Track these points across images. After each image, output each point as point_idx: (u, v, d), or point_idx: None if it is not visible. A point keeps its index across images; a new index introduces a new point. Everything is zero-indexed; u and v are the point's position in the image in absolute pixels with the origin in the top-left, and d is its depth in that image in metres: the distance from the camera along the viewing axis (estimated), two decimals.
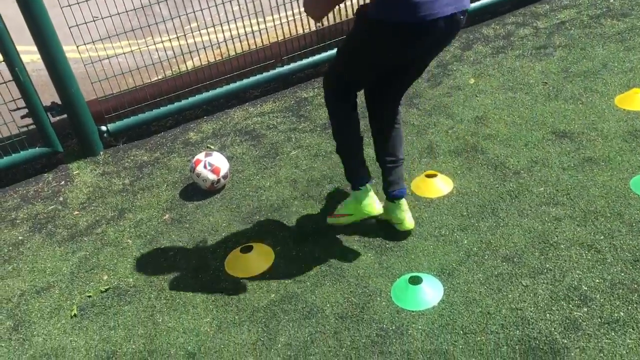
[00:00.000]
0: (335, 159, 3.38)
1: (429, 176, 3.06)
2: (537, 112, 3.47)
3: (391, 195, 2.72)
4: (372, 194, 2.70)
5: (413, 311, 2.38)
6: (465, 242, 2.67)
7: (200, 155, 3.27)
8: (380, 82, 2.56)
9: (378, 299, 2.47)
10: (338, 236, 2.83)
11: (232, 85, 4.09)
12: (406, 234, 2.75)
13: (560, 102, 3.51)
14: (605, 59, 3.85)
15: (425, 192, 3.01)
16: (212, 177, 3.21)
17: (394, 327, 2.33)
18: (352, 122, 2.62)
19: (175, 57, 3.97)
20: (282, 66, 4.20)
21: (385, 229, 2.81)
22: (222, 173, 3.23)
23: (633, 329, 2.13)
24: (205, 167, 3.21)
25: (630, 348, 2.07)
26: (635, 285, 2.29)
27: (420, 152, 3.32)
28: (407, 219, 2.73)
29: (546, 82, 3.73)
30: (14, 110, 3.50)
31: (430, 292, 2.43)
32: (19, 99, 3.47)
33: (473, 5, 4.59)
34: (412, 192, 3.03)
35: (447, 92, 3.84)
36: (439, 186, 3.01)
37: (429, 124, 3.55)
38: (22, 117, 3.54)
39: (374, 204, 2.69)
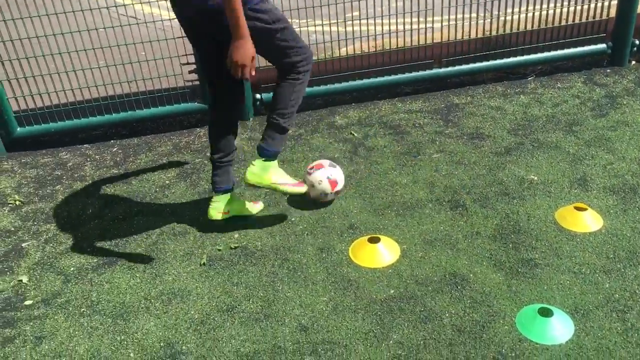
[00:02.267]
0: (477, 170, 3.28)
1: (577, 208, 2.87)
2: None
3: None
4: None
5: (537, 343, 2.25)
6: (607, 286, 2.48)
7: (324, 162, 3.09)
8: None
9: (501, 321, 2.36)
10: (468, 248, 2.74)
11: (385, 78, 4.09)
12: (541, 264, 2.61)
13: None
14: None
15: (572, 225, 2.82)
16: (327, 188, 3.00)
17: (513, 355, 2.22)
18: None
19: (332, 41, 4.04)
20: (440, 68, 4.13)
21: (521, 254, 2.68)
22: (337, 188, 3.04)
23: None
24: (325, 174, 3.00)
25: None
26: None
27: (571, 181, 3.13)
28: (210, 209, 2.95)
29: None
30: (184, 64, 3.74)
31: (560, 328, 2.28)
32: (190, 54, 3.71)
33: None
34: (556, 221, 2.86)
35: (613, 125, 3.58)
36: (587, 221, 2.82)
37: (586, 155, 3.33)
38: (190, 72, 3.79)
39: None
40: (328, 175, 3.01)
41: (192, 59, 3.73)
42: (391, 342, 2.32)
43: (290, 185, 2.86)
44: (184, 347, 2.36)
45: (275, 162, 2.84)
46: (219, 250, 2.87)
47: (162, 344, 2.38)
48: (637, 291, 2.44)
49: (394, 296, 2.53)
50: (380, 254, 2.74)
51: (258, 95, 3.97)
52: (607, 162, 3.25)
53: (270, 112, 2.77)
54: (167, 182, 3.43)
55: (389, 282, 2.61)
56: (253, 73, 2.48)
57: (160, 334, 2.43)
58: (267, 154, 2.80)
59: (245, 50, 2.40)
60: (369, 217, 3.02)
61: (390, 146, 3.60)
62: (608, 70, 4.21)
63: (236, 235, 2.96)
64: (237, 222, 3.04)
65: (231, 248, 2.87)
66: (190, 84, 3.87)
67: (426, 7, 3.97)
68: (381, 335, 2.34)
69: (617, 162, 3.25)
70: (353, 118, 3.95)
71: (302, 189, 2.90)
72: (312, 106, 4.15)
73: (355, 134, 3.75)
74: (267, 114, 2.82)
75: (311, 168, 3.05)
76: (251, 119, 4.00)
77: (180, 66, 3.75)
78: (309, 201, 3.14)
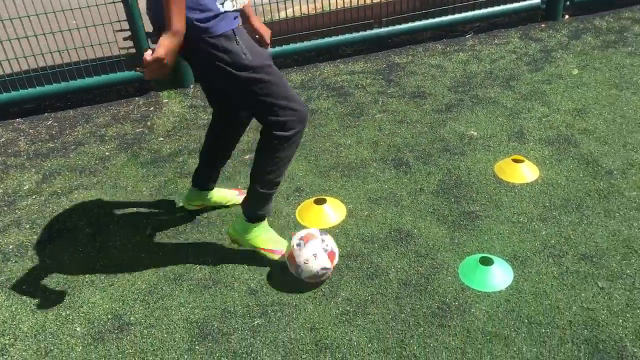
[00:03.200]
0: (419, 128, 3.33)
1: (515, 161, 2.96)
2: None
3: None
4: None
5: (479, 291, 2.34)
6: (544, 233, 2.58)
7: (313, 230, 2.42)
8: None
9: (444, 272, 2.44)
10: (412, 205, 2.80)
11: (326, 40, 4.06)
12: (482, 216, 2.69)
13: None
14: None
15: (509, 176, 2.91)
16: (326, 263, 2.35)
17: (456, 303, 2.30)
18: None
19: (270, 4, 3.97)
20: (380, 28, 4.13)
21: (462, 207, 2.75)
22: (335, 260, 2.41)
23: None
24: (321, 247, 2.35)
25: None
26: None
27: (509, 135, 3.21)
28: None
29: None
30: (118, 31, 3.61)
31: (500, 276, 2.37)
32: (124, 20, 3.58)
33: None
34: (495, 174, 2.95)
35: (547, 79, 3.68)
36: (524, 172, 2.91)
37: (523, 108, 3.42)
38: (124, 39, 3.66)
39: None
40: (325, 246, 2.38)
41: (125, 25, 3.60)
42: (339, 299, 2.36)
43: (277, 253, 2.54)
44: (132, 318, 2.34)
45: (260, 225, 2.51)
46: (165, 219, 2.83)
47: (109, 316, 2.35)
48: (571, 236, 2.55)
49: (342, 255, 2.56)
50: (326, 214, 2.76)
51: None
52: (542, 115, 3.35)
53: (251, 170, 2.45)
54: (107, 153, 3.34)
55: (336, 242, 2.63)
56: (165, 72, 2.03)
57: (107, 306, 2.40)
58: (246, 214, 2.49)
59: (173, 48, 1.97)
60: (315, 179, 3.03)
61: (333, 108, 3.60)
62: (543, 25, 4.30)
63: (181, 204, 2.92)
64: (183, 190, 3.00)
65: (176, 217, 2.84)
66: (125, 51, 3.74)
67: None
68: (330, 294, 2.38)
69: (552, 114, 3.35)
70: (295, 81, 3.91)
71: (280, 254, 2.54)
72: None
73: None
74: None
75: (300, 244, 2.37)
76: (192, 85, 3.92)
77: (114, 33, 3.61)
78: (250, 165, 3.13)
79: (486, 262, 2.41)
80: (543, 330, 2.16)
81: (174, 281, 2.50)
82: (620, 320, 2.17)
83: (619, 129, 3.18)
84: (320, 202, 2.81)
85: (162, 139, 3.43)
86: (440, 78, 3.79)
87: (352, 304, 2.33)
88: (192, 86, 3.91)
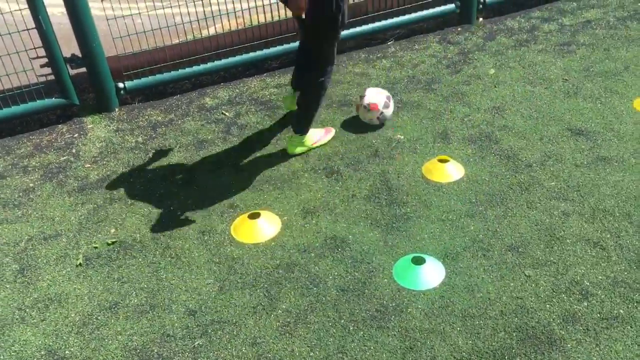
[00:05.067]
0: (348, 136, 3.39)
1: (441, 161, 3.06)
2: (555, 107, 3.45)
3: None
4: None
5: (414, 290, 2.40)
6: (472, 228, 2.68)
7: (367, 98, 3.35)
8: None
9: (380, 275, 2.49)
10: (345, 212, 2.85)
11: (251, 55, 4.08)
12: (413, 217, 2.77)
13: (579, 100, 3.49)
14: (628, 61, 3.82)
15: (436, 176, 3.01)
16: (372, 114, 3.37)
17: (393, 304, 2.35)
18: None
19: (198, 20, 3.96)
20: None
21: (394, 210, 2.82)
22: (380, 107, 3.35)
23: (631, 327, 2.15)
24: (365, 108, 3.36)
25: (627, 345, 2.09)
26: (638, 285, 2.31)
27: (434, 136, 3.32)
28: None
29: (566, 79, 3.71)
30: (34, 58, 3.51)
31: (432, 274, 2.45)
32: (39, 47, 3.48)
33: None
34: (423, 175, 3.04)
35: (467, 80, 3.82)
36: (450, 172, 3.02)
37: (445, 110, 3.54)
38: (42, 66, 3.55)
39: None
40: (366, 105, 3.39)
41: (41, 52, 3.50)
42: (279, 311, 2.37)
43: (324, 137, 3.35)
44: (67, 352, 2.27)
45: (309, 133, 3.25)
46: (96, 247, 2.77)
47: (43, 353, 2.27)
48: (497, 230, 2.66)
49: (279, 267, 2.58)
50: (261, 228, 2.77)
51: (121, 84, 3.82)
52: (464, 115, 3.48)
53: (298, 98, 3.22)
54: (31, 185, 3.23)
55: (273, 255, 2.65)
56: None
57: (40, 342, 2.32)
58: (297, 132, 3.26)
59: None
60: (248, 194, 3.03)
61: (262, 122, 3.61)
62: (459, 29, 4.48)
63: (112, 230, 2.86)
64: (113, 215, 2.94)
65: (108, 244, 2.78)
66: (44, 78, 3.63)
67: None
68: (269, 307, 2.39)
69: (473, 113, 3.49)
70: (223, 98, 3.91)
71: (332, 132, 3.40)
72: (181, 90, 4.06)
73: (227, 114, 3.73)
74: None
75: (367, 104, 3.37)
76: (116, 109, 3.85)
77: (30, 61, 3.51)
78: (182, 185, 3.10)
79: (418, 261, 2.48)
80: (476, 322, 2.24)
81: (109, 310, 2.44)
82: (548, 306, 2.27)
83: (535, 123, 3.34)
84: (254, 216, 2.81)
85: (88, 165, 3.35)
86: (365, 85, 3.88)
87: (292, 314, 2.35)
88: (116, 109, 3.84)
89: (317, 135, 3.31)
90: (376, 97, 3.36)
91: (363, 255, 2.60)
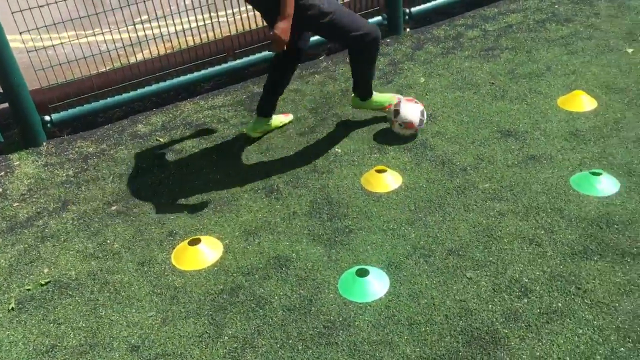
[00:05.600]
0: (286, 153, 3.38)
1: (378, 171, 3.09)
2: (484, 111, 3.55)
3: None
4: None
5: (360, 303, 2.40)
6: (413, 235, 2.71)
7: (402, 117, 3.32)
8: None
9: (326, 291, 2.48)
10: (287, 230, 2.83)
11: (182, 78, 4.03)
12: (355, 229, 2.78)
13: (506, 102, 3.61)
14: (549, 61, 3.98)
15: (375, 187, 3.04)
16: (407, 132, 3.38)
17: (340, 319, 2.34)
18: None
19: (125, 47, 3.88)
20: (235, 60, 4.17)
21: (335, 224, 2.82)
22: (415, 124, 3.34)
23: (570, 319, 2.21)
24: (400, 126, 3.34)
25: (567, 337, 2.15)
26: (573, 278, 2.38)
27: (371, 147, 3.35)
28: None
29: (493, 83, 3.83)
30: None
31: (377, 285, 2.45)
32: None
33: (425, 6, 4.67)
34: (362, 187, 3.06)
35: (398, 90, 3.89)
36: (388, 181, 3.05)
37: (381, 120, 3.58)
38: None
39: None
40: (401, 124, 3.37)
41: None
42: (226, 338, 2.32)
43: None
44: None
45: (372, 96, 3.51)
46: (28, 290, 2.64)
47: None
48: (437, 235, 2.70)
49: (223, 292, 2.53)
50: (202, 254, 2.71)
51: (47, 117, 3.69)
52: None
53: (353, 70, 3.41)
54: None
55: (216, 280, 2.60)
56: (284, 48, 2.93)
57: None
58: (360, 95, 3.50)
59: (287, 27, 2.86)
60: (188, 220, 2.97)
61: (198, 145, 3.56)
62: (388, 40, 4.56)
63: (46, 270, 2.74)
64: (46, 254, 2.82)
65: (42, 285, 2.66)
66: None
67: (215, 2, 3.97)
68: (215, 334, 2.34)
69: None
70: (156, 123, 3.84)
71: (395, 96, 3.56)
72: (112, 118, 3.96)
73: (162, 140, 3.66)
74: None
75: (402, 123, 3.35)
76: (44, 143, 3.71)
77: None
78: (118, 216, 3.01)
79: (362, 273, 2.48)
80: (423, 329, 2.26)
81: (46, 354, 2.33)
82: (490, 306, 2.31)
83: (466, 127, 3.42)
84: (194, 242, 2.76)
85: (17, 204, 3.21)
86: (300, 102, 3.89)
87: (239, 340, 2.30)
88: (44, 144, 3.71)
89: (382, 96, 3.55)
90: (411, 114, 3.31)
91: (307, 272, 2.58)
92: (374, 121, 3.58)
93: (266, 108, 3.50)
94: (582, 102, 3.45)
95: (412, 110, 3.32)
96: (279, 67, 3.44)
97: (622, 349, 2.08)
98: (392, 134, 3.43)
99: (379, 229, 2.77)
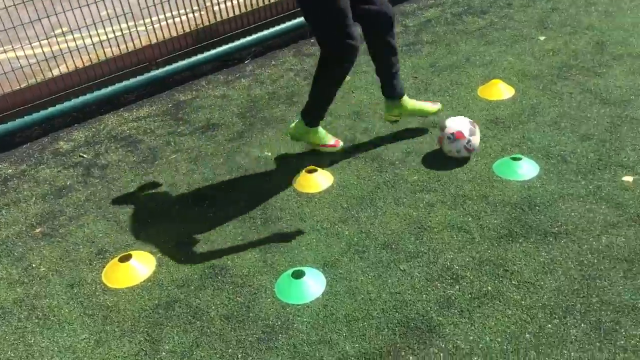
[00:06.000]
0: (216, 160, 3.34)
1: (309, 172, 3.10)
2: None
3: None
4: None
5: (298, 305, 2.40)
6: (347, 233, 2.73)
7: (449, 128, 3.01)
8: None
9: (263, 295, 2.47)
10: (221, 237, 2.79)
11: (104, 91, 3.92)
12: (289, 231, 2.78)
13: (430, 95, 3.69)
14: (468, 53, 4.11)
15: (307, 187, 3.04)
16: (459, 144, 3.00)
17: (279, 323, 2.33)
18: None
19: (39, 63, 3.74)
20: (157, 69, 4.09)
21: (270, 228, 2.81)
22: (466, 134, 2.97)
23: (499, 301, 2.29)
24: (449, 139, 3.01)
25: (498, 319, 2.22)
26: (500, 261, 2.46)
27: (301, 148, 3.36)
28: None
29: (416, 77, 3.92)
30: None
31: (313, 285, 2.46)
32: None
33: None
34: (294, 189, 3.06)
35: None
36: (319, 181, 3.06)
37: None
38: None
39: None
40: (449, 137, 3.04)
41: None
42: (163, 353, 2.27)
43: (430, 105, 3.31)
44: None
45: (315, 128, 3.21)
46: None
47: None
48: (370, 230, 2.73)
49: (158, 307, 2.47)
50: (134, 270, 2.64)
51: None
52: (326, 123, 3.54)
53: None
54: None
55: (150, 295, 2.54)
56: None
57: None
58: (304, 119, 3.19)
59: None
60: (118, 237, 2.89)
61: (125, 159, 3.47)
62: (312, 40, 4.58)
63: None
64: None
65: None
66: None
67: (131, 11, 3.87)
68: (152, 351, 2.28)
69: (335, 120, 3.57)
70: (79, 139, 3.71)
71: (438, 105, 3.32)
72: (31, 137, 3.80)
73: (85, 155, 3.54)
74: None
75: (451, 134, 3.01)
76: None
77: None
78: (43, 239, 2.90)
79: (298, 275, 2.48)
80: (361, 324, 2.28)
81: None
82: (424, 295, 2.36)
83: (393, 122, 3.48)
84: (125, 259, 2.68)
85: None
86: (227, 107, 3.85)
87: (177, 354, 2.26)
88: None
89: None
90: (460, 124, 3.00)
91: (243, 278, 2.56)
92: None
93: (386, 87, 3.22)
94: (500, 90, 3.58)
95: (459, 121, 3.04)
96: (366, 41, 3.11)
97: (549, 325, 2.17)
98: None
99: (313, 229, 2.78)
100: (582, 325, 2.15)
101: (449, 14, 4.71)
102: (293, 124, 3.25)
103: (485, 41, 4.21)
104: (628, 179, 2.78)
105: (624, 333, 2.10)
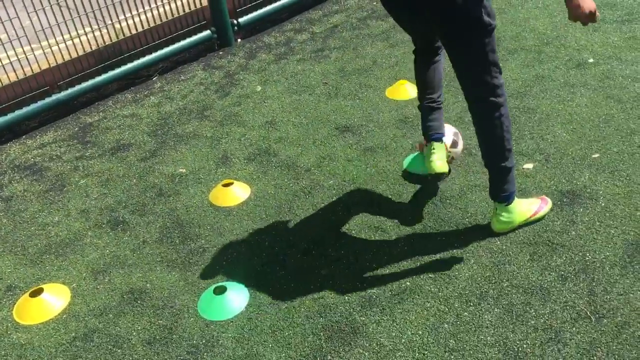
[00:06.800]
0: (129, 182, 3.25)
1: (225, 185, 3.07)
2: (321, 110, 3.67)
3: (428, 137, 2.75)
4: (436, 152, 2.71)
5: (221, 321, 2.37)
6: (267, 243, 2.73)
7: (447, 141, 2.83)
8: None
9: (186, 316, 2.42)
10: (138, 261, 2.72)
11: (3, 119, 3.72)
12: (208, 247, 2.74)
13: (340, 100, 3.76)
14: (375, 56, 4.21)
15: (224, 201, 3.02)
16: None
17: (204, 342, 2.30)
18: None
19: None
20: (60, 92, 3.93)
21: (189, 246, 2.77)
22: (448, 146, 2.84)
23: (418, 295, 2.35)
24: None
25: (418, 312, 2.28)
26: (417, 256, 2.53)
27: (216, 162, 3.33)
28: (434, 161, 2.66)
29: (326, 82, 3.97)
30: None
31: (236, 299, 2.44)
32: None
33: (252, 15, 4.72)
34: (211, 203, 3.02)
35: (237, 101, 3.90)
36: (236, 194, 3.04)
37: (222, 134, 3.57)
38: None
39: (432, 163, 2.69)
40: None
41: None
42: None
43: (543, 207, 2.62)
44: None
45: (516, 200, 2.54)
46: None
47: None
48: (290, 238, 2.74)
49: (76, 340, 2.37)
50: (47, 304, 2.53)
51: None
52: (240, 135, 3.54)
53: (487, 159, 2.48)
54: None
55: (67, 328, 2.43)
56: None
57: None
58: (506, 199, 2.49)
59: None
60: (27, 271, 2.75)
61: (30, 188, 3.31)
62: (221, 53, 4.56)
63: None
64: None
65: None
66: None
67: (25, 34, 3.70)
68: None
69: (248, 132, 3.56)
70: None
71: (549, 203, 2.66)
72: None
73: None
74: (483, 160, 2.52)
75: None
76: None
77: None
78: None
79: (220, 291, 2.46)
80: (286, 333, 2.28)
81: None
82: (346, 297, 2.40)
83: (306, 129, 3.51)
84: (36, 293, 2.56)
85: None
86: (137, 126, 3.76)
87: None
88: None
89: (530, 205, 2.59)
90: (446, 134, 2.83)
91: (164, 300, 2.50)
92: (216, 136, 3.56)
93: (436, 128, 2.76)
94: (406, 90, 3.69)
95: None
96: (419, 76, 2.79)
97: (465, 313, 2.25)
98: (235, 146, 3.43)
99: (233, 243, 2.76)
100: (496, 309, 2.25)
101: (354, 18, 4.81)
102: (494, 220, 2.56)
103: (390, 44, 4.33)
104: (528, 166, 2.94)
105: (533, 313, 2.21)
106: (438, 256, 2.52)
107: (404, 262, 2.51)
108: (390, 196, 2.89)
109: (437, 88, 2.75)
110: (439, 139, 2.73)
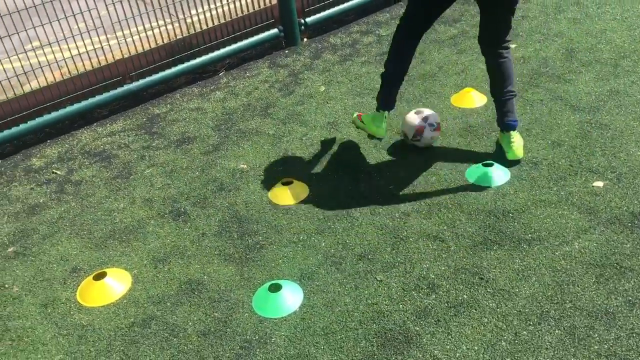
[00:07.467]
0: (191, 174, 3.33)
1: (285, 183, 3.10)
2: None
3: (502, 126, 3.10)
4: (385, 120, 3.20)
5: (275, 319, 2.39)
6: (323, 245, 2.74)
7: (415, 120, 3.19)
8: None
9: (240, 310, 2.45)
10: (197, 252, 2.78)
11: (77, 106, 3.87)
12: (265, 244, 2.77)
13: (404, 104, 3.72)
14: (441, 62, 4.15)
15: (283, 199, 3.04)
16: (436, 134, 3.24)
17: (257, 338, 2.33)
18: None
19: (9, 79, 3.69)
20: (131, 83, 4.06)
21: (246, 241, 2.80)
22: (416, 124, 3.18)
23: (475, 309, 2.30)
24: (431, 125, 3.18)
25: (474, 327, 2.24)
26: (476, 269, 2.48)
27: (277, 160, 3.36)
28: (513, 149, 3.03)
29: None
30: None
31: (291, 298, 2.46)
32: None
33: (319, 15, 4.74)
34: (270, 201, 3.06)
35: (300, 100, 3.92)
36: (295, 193, 3.06)
37: (284, 133, 3.60)
38: None
39: (380, 128, 3.18)
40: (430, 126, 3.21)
41: None
42: None
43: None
44: None
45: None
46: None
47: None
48: (347, 241, 2.74)
49: (134, 325, 2.45)
50: (109, 288, 2.62)
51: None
52: (302, 134, 3.56)
53: (502, 91, 3.03)
54: None
55: (126, 313, 2.51)
56: None
57: None
58: (516, 124, 3.06)
59: None
60: (92, 254, 2.86)
61: (99, 174, 3.43)
62: (287, 51, 4.59)
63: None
64: None
65: None
66: None
67: (102, 25, 3.84)
68: None
69: (310, 132, 3.58)
70: (52, 156, 3.67)
71: None
72: (2, 154, 3.75)
73: (59, 172, 3.50)
74: (495, 94, 3.06)
75: (417, 135, 3.19)
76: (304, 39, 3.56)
77: None
78: (16, 258, 2.85)
79: (275, 288, 2.48)
80: (338, 336, 2.28)
81: None
82: (401, 306, 2.38)
83: (367, 133, 3.50)
84: (100, 276, 2.65)
85: None
86: (202, 120, 3.84)
87: None
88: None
89: None
90: (433, 112, 3.26)
91: (220, 293, 2.55)
92: (278, 134, 3.59)
93: (393, 100, 3.25)
94: (472, 98, 3.62)
95: (414, 116, 3.24)
96: (409, 54, 3.25)
97: (524, 332, 2.19)
98: (296, 145, 3.46)
99: (290, 241, 2.78)
100: (557, 331, 2.18)
101: None
102: (512, 148, 3.08)
103: (457, 50, 4.26)
104: (598, 184, 2.83)
105: (597, 338, 2.13)
106: (497, 271, 2.46)
107: (462, 274, 2.47)
108: (450, 205, 2.85)
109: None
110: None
